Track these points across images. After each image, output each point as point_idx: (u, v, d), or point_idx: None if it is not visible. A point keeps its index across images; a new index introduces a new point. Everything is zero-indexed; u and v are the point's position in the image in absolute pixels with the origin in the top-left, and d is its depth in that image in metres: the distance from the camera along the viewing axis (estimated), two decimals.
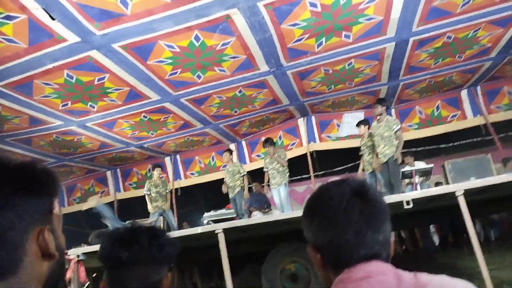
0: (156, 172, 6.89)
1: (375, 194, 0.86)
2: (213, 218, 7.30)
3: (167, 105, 6.10)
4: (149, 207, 6.80)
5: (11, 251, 0.63)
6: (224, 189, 6.64)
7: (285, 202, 6.22)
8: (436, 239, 9.07)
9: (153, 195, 6.80)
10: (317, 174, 9.11)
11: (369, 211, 0.82)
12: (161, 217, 6.95)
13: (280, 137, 8.26)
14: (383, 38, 5.07)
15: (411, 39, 5.21)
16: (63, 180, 8.89)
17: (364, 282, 0.76)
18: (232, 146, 8.65)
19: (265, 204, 7.50)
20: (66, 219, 9.14)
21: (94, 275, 5.93)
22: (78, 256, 4.55)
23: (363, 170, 6.52)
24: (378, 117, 5.71)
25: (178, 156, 8.95)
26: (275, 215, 5.19)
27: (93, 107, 5.70)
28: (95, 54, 4.33)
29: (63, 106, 5.47)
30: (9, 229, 0.63)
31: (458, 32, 5.19)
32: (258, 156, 8.41)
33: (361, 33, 4.85)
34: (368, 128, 6.18)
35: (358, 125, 6.35)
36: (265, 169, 6.57)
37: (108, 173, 9.25)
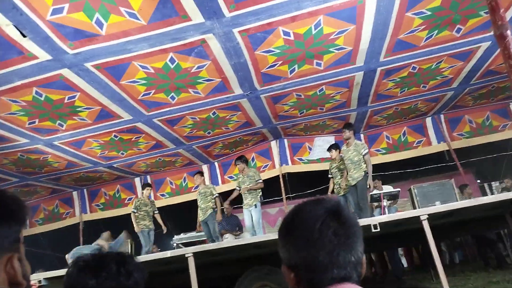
0: (146, 191, 7.01)
1: (349, 215, 0.87)
2: (183, 241, 7.15)
3: (139, 125, 6.03)
4: (135, 226, 6.76)
5: None
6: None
7: (257, 225, 6.20)
8: (404, 262, 9.25)
9: (141, 213, 6.80)
10: (288, 196, 9.16)
11: (343, 232, 0.83)
12: (128, 240, 6.76)
13: (253, 159, 8.31)
14: (352, 67, 5.29)
15: (379, 69, 5.46)
16: (26, 201, 8.51)
17: None
18: (205, 167, 8.60)
19: (236, 227, 7.44)
20: (27, 241, 8.67)
21: None
22: (39, 281, 4.33)
23: (332, 192, 6.65)
24: (347, 141, 5.97)
25: (148, 177, 8.78)
26: (246, 239, 5.17)
27: (62, 126, 5.55)
28: (66, 73, 4.26)
29: (30, 123, 5.30)
30: None
31: (422, 63, 5.50)
32: (231, 177, 8.39)
33: (331, 61, 5.04)
34: (339, 152, 6.36)
35: (329, 149, 6.53)
36: (237, 187, 6.58)
37: (75, 194, 8.92)
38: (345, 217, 0.86)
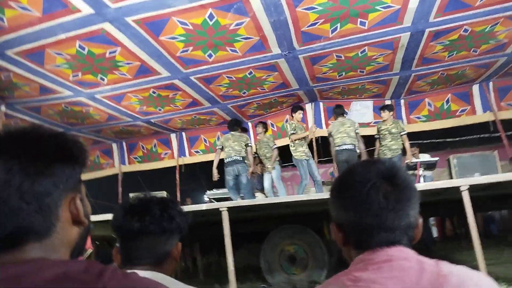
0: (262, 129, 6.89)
1: (404, 177, 0.85)
2: (215, 196, 7.40)
3: (177, 82, 6.09)
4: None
5: (47, 216, 0.68)
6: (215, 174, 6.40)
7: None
8: (434, 231, 9.16)
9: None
10: (321, 160, 9.15)
11: (394, 196, 0.82)
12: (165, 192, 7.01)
13: (286, 121, 8.26)
14: (399, 27, 4.99)
15: (427, 30, 5.12)
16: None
17: (386, 264, 0.77)
18: None
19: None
20: None
21: (97, 243, 6.09)
22: None
23: (377, 155, 6.50)
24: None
25: (184, 134, 9.00)
26: (279, 197, 5.27)
27: (103, 80, 5.71)
28: (108, 27, 4.31)
29: (73, 76, 5.48)
30: (46, 195, 0.67)
31: (475, 25, 5.10)
32: None
33: (377, 21, 4.77)
34: (392, 114, 6.32)
35: (382, 109, 6.41)
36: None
37: (114, 146, 9.33)
38: (399, 179, 0.84)
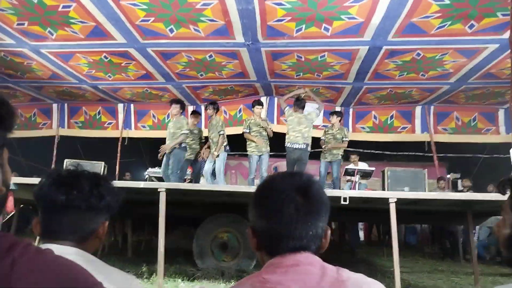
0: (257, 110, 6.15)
1: (317, 191, 0.91)
2: (156, 175, 7.25)
3: (132, 51, 5.83)
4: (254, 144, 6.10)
5: None
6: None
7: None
8: (361, 235, 9.74)
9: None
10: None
11: (306, 208, 0.87)
12: (102, 163, 6.67)
13: (240, 110, 8.27)
14: (359, 40, 5.18)
15: (384, 47, 5.38)
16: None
17: (292, 268, 0.83)
18: (190, 108, 8.52)
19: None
20: None
21: (21, 206, 5.70)
22: None
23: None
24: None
25: (132, 106, 8.66)
26: (221, 186, 5.28)
27: (52, 34, 5.30)
28: None
29: (18, 24, 5.03)
30: None
31: (427, 51, 5.45)
32: None
33: (340, 29, 4.92)
34: (340, 121, 6.48)
35: (332, 114, 6.55)
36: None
37: (54, 106, 8.74)
38: (311, 193, 0.90)
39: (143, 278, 4.27)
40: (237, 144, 7.52)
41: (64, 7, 4.57)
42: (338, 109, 7.98)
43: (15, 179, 4.49)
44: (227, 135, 6.49)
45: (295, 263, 0.84)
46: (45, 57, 6.07)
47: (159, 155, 5.94)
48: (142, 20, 4.88)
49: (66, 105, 8.74)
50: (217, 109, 6.31)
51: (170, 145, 5.75)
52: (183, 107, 6.14)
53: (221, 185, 5.21)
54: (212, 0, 4.38)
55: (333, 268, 0.85)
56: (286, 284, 0.80)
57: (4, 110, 0.68)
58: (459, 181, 8.92)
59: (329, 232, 0.94)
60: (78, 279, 0.67)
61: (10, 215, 6.52)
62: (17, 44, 5.60)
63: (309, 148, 5.90)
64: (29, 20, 4.91)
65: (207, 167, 6.23)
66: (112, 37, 5.36)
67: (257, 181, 6.54)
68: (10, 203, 4.70)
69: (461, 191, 7.66)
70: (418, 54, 5.56)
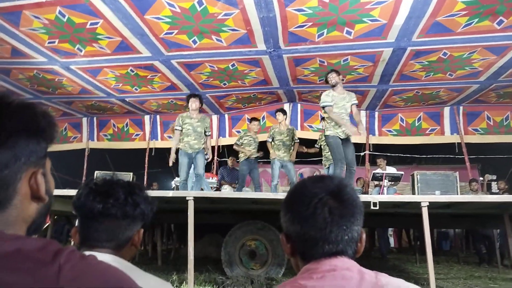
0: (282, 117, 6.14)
1: (350, 194, 0.90)
2: None
3: (157, 63, 5.98)
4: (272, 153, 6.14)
5: (3, 189, 0.65)
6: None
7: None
8: (392, 241, 9.49)
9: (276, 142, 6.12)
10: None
11: (339, 212, 0.86)
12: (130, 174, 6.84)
13: (263, 118, 8.29)
14: (383, 42, 5.11)
15: (409, 48, 5.28)
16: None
17: (329, 274, 0.82)
18: (215, 118, 8.63)
19: (236, 180, 7.59)
20: None
21: (55, 217, 5.91)
22: None
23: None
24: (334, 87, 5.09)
25: (158, 117, 8.86)
26: (246, 193, 5.29)
27: (81, 51, 5.51)
28: None
29: (49, 43, 5.27)
30: (4, 167, 0.64)
31: (454, 50, 5.30)
32: (238, 131, 8.43)
33: (362, 32, 4.87)
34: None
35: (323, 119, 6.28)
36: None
37: (84, 120, 9.06)
38: (344, 196, 0.89)
39: (174, 287, 4.31)
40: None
41: (91, 24, 4.75)
42: (363, 113, 7.87)
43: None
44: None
45: (332, 268, 0.83)
46: (75, 73, 6.31)
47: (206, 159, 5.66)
48: (166, 33, 5.00)
49: (95, 118, 9.03)
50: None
51: (201, 145, 5.45)
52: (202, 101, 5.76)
53: (248, 193, 5.22)
54: (234, 10, 4.44)
55: (371, 273, 0.84)
56: None
57: (47, 122, 0.71)
58: (493, 183, 8.56)
59: (364, 236, 0.92)
60: (123, 284, 0.68)
61: (45, 226, 6.76)
62: (48, 61, 5.85)
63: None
64: (59, 38, 5.12)
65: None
66: (137, 51, 5.51)
67: (283, 188, 6.51)
68: None
69: (497, 193, 7.34)
70: (445, 54, 5.42)
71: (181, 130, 5.49)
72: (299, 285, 0.81)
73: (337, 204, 0.87)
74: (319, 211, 0.86)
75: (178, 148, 5.57)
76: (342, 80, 6.34)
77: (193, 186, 5.73)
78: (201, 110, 6.02)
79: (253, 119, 6.57)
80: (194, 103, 5.47)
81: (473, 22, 4.56)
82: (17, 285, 0.57)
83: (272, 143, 6.14)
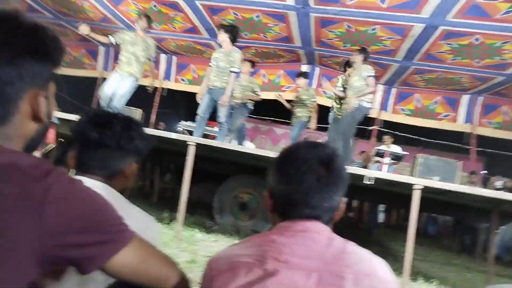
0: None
1: (339, 166, 0.93)
2: (188, 128, 7.42)
3: (181, 2, 5.81)
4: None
5: (5, 105, 0.67)
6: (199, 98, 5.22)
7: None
8: (381, 218, 9.70)
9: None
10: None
11: (326, 181, 0.90)
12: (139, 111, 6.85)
13: (279, 76, 8.17)
14: (416, 16, 4.89)
15: (441, 28, 5.07)
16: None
17: (300, 234, 0.87)
18: None
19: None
20: None
21: (61, 140, 6.07)
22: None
23: None
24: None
25: (174, 58, 8.75)
26: (249, 148, 5.35)
27: None
28: None
29: None
30: (7, 83, 0.66)
31: (487, 37, 5.08)
32: None
33: (397, 2, 4.66)
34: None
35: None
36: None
37: (101, 48, 8.98)
38: (334, 167, 0.92)
39: (164, 223, 4.51)
40: (271, 111, 7.51)
41: None
42: (380, 87, 7.72)
43: (58, 114, 4.73)
44: (263, 99, 6.50)
45: (303, 229, 0.88)
46: None
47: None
48: None
49: (111, 48, 8.94)
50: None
51: (227, 92, 4.78)
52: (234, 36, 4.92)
53: (251, 148, 5.28)
54: None
55: (341, 240, 0.89)
56: (291, 246, 0.84)
57: (54, 46, 0.73)
58: (498, 182, 8.52)
59: (342, 205, 0.96)
60: (103, 210, 0.73)
61: (50, 147, 6.95)
62: None
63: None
64: None
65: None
66: None
67: None
68: (52, 135, 5.00)
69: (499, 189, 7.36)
70: (477, 39, 5.19)
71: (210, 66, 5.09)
72: (270, 239, 0.87)
73: (325, 173, 0.90)
74: (306, 176, 0.89)
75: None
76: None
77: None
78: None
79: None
80: (219, 36, 4.91)
81: None
82: (6, 195, 0.60)
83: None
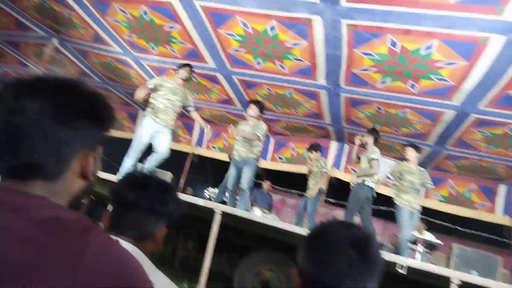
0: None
1: (374, 251, 0.88)
2: (215, 196, 7.41)
3: (219, 76, 6.20)
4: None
5: (60, 162, 0.74)
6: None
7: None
8: None
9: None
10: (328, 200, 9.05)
11: (359, 266, 0.84)
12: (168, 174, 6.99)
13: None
14: (447, 103, 4.94)
15: (473, 115, 5.05)
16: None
17: None
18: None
19: (267, 205, 7.54)
20: None
21: (93, 198, 6.20)
22: None
23: None
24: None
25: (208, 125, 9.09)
26: (277, 221, 5.23)
27: (154, 49, 5.88)
28: (175, 3, 4.46)
29: (128, 36, 5.67)
30: (66, 144, 0.73)
31: None
32: (280, 158, 8.43)
33: (427, 89, 4.74)
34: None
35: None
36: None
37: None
38: (368, 252, 0.87)
39: None
40: (299, 185, 7.46)
41: (169, 27, 5.07)
42: None
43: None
44: (294, 174, 6.50)
45: None
46: (143, 68, 6.71)
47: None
48: (235, 50, 5.20)
49: None
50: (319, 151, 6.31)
51: (250, 154, 5.10)
52: (262, 110, 5.30)
53: (276, 221, 5.15)
54: (302, 41, 4.53)
55: None
56: None
57: (109, 114, 0.82)
58: None
59: None
60: (136, 273, 0.73)
61: (81, 203, 7.10)
62: (123, 53, 6.29)
63: None
64: (138, 34, 5.51)
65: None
66: (204, 61, 5.76)
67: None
68: None
69: None
70: (511, 129, 5.11)
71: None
72: None
73: (359, 258, 0.85)
74: (339, 261, 0.84)
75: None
76: (396, 131, 6.21)
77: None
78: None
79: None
80: (251, 110, 5.24)
81: None
82: (47, 246, 0.63)
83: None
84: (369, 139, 5.32)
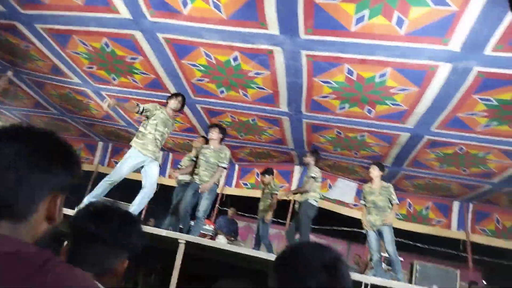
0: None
1: (344, 273, 0.91)
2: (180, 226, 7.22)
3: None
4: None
5: (29, 205, 0.75)
6: None
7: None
8: None
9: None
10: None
11: (329, 286, 0.87)
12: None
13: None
14: (401, 126, 5.25)
15: (426, 137, 5.39)
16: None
17: None
18: None
19: (233, 232, 7.45)
20: None
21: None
22: None
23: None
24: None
25: (170, 155, 8.98)
26: (244, 248, 5.16)
27: (114, 80, 5.81)
28: (138, 36, 4.48)
29: (88, 67, 5.58)
30: (38, 187, 0.75)
31: (471, 148, 5.38)
32: (245, 184, 8.44)
33: (383, 113, 5.03)
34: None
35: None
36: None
37: (100, 144, 9.24)
38: (338, 273, 0.89)
39: None
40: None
41: (131, 58, 5.06)
42: None
43: None
44: (259, 199, 6.50)
45: None
46: (103, 98, 6.57)
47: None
48: (198, 79, 5.26)
49: (110, 144, 9.21)
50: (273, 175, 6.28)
51: (211, 181, 4.80)
52: (224, 132, 5.11)
53: (244, 248, 5.10)
54: (265, 71, 4.68)
55: None
56: None
57: (78, 162, 0.86)
58: None
59: None
60: None
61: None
62: (83, 84, 6.15)
63: None
64: (98, 65, 5.44)
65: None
66: (167, 90, 5.76)
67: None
68: None
69: None
70: (461, 149, 5.50)
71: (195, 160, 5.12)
72: None
73: (328, 279, 0.87)
74: (308, 282, 0.86)
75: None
76: (355, 154, 6.46)
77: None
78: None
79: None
80: (212, 133, 5.01)
81: (492, 124, 4.69)
82: (11, 280, 0.64)
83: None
84: (311, 160, 5.48)
